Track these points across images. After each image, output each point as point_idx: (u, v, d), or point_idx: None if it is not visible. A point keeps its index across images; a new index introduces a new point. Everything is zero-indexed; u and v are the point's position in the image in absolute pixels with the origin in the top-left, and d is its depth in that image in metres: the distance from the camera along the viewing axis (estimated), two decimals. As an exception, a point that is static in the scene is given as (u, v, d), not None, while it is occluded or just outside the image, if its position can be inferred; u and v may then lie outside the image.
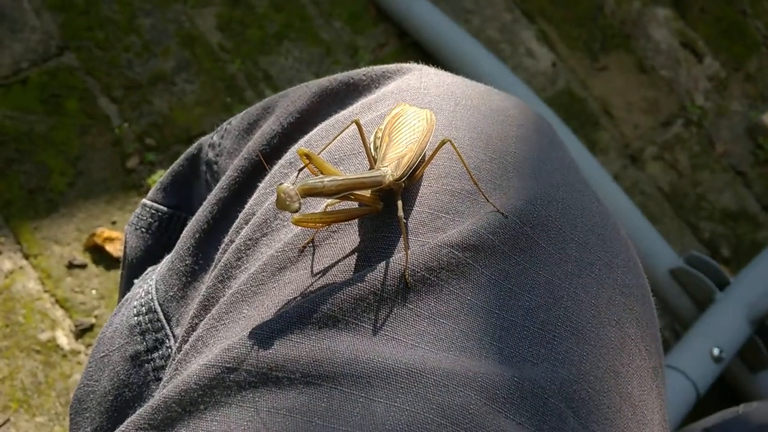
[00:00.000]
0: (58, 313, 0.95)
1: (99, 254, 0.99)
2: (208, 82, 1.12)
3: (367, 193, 0.31)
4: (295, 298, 0.31)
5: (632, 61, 1.33)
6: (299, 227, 0.33)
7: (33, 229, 0.99)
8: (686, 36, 1.38)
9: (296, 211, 0.28)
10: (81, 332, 0.94)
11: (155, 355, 0.39)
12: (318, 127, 0.39)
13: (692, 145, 1.30)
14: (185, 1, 1.17)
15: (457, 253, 0.31)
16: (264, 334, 0.29)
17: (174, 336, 0.39)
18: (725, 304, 1.03)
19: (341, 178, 0.30)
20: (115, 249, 1.00)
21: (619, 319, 0.32)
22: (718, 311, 1.03)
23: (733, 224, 1.25)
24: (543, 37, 1.31)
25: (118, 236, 1.01)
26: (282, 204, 0.28)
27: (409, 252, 0.30)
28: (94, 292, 0.97)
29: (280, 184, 0.29)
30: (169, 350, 0.39)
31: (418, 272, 0.30)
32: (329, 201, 0.32)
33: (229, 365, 0.29)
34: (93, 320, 0.96)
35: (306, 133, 0.39)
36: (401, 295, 0.30)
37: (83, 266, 0.98)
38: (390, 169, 0.31)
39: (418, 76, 0.39)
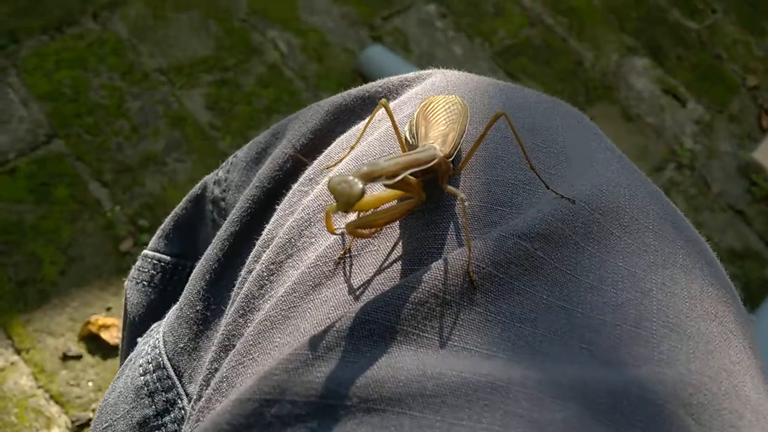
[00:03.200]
0: (54, 409, 0.89)
1: (95, 343, 0.94)
2: (199, 160, 1.11)
3: (413, 181, 0.27)
4: (338, 314, 0.27)
5: (617, 111, 1.35)
6: (330, 239, 0.30)
7: (24, 322, 0.94)
8: (666, 83, 1.40)
9: (361, 197, 0.24)
10: (78, 428, 0.88)
11: (166, 419, 0.34)
12: (336, 141, 0.36)
13: (687, 188, 1.29)
14: (173, 83, 1.17)
15: (524, 244, 0.27)
16: (308, 356, 0.25)
17: (187, 395, 0.34)
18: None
19: (397, 156, 0.27)
20: (111, 336, 0.95)
21: (716, 312, 0.28)
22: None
23: (741, 263, 1.23)
24: (528, 94, 1.33)
25: (114, 323, 0.96)
26: (342, 195, 0.24)
27: (471, 245, 0.27)
28: (90, 384, 0.91)
29: (332, 178, 0.24)
30: (183, 411, 0.34)
31: (483, 268, 0.26)
32: (363, 201, 0.29)
33: (268, 396, 0.24)
34: (90, 414, 0.90)
35: (321, 154, 0.36)
36: (467, 296, 0.26)
37: (78, 357, 0.93)
38: (438, 145, 0.28)
39: (443, 77, 0.37)
